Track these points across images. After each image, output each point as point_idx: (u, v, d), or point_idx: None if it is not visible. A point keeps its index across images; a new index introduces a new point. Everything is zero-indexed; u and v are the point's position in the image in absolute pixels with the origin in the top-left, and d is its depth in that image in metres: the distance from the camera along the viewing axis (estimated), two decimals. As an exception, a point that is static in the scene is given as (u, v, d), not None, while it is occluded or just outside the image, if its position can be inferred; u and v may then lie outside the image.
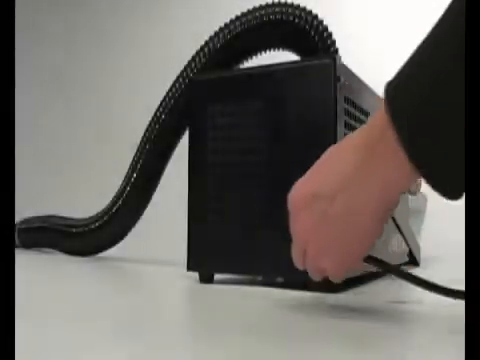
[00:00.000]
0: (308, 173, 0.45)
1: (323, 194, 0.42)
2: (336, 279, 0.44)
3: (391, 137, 0.37)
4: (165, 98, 0.83)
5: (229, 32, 0.76)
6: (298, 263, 0.45)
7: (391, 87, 0.38)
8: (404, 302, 0.54)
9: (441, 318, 0.42)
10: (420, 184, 0.80)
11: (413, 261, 0.85)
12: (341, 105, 0.58)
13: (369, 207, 0.40)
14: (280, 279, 0.64)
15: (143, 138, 0.87)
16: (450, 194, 0.36)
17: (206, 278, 0.64)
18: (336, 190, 0.41)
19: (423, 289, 0.43)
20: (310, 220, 0.43)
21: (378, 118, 0.39)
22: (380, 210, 0.41)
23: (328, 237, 0.42)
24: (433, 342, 0.36)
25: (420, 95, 0.36)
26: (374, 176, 0.39)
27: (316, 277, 0.46)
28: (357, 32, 1.34)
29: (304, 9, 0.72)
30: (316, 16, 0.72)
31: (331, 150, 0.44)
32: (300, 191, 0.44)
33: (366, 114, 0.67)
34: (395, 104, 0.37)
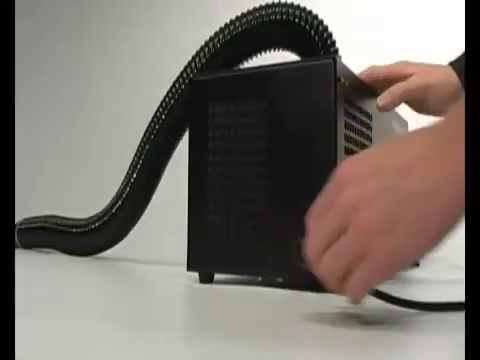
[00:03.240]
0: (361, 154, 0.39)
1: (390, 167, 0.35)
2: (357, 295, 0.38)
3: None
4: (165, 98, 0.83)
5: (229, 32, 0.76)
6: (314, 254, 0.38)
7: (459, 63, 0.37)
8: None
9: (442, 318, 0.43)
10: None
11: (413, 261, 0.85)
12: (341, 105, 0.58)
13: (444, 192, 0.34)
14: (280, 279, 0.64)
15: (143, 138, 0.87)
16: None
17: (206, 278, 0.64)
18: (409, 164, 0.35)
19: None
20: (359, 195, 0.35)
21: (455, 112, 0.35)
22: (453, 201, 0.34)
23: (383, 218, 0.34)
24: (433, 341, 0.36)
25: None
26: (451, 159, 0.34)
27: (332, 281, 0.39)
28: (357, 32, 1.34)
29: (304, 9, 0.72)
30: (316, 16, 0.72)
31: (387, 143, 0.38)
32: (355, 162, 0.38)
33: (366, 114, 0.67)
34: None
